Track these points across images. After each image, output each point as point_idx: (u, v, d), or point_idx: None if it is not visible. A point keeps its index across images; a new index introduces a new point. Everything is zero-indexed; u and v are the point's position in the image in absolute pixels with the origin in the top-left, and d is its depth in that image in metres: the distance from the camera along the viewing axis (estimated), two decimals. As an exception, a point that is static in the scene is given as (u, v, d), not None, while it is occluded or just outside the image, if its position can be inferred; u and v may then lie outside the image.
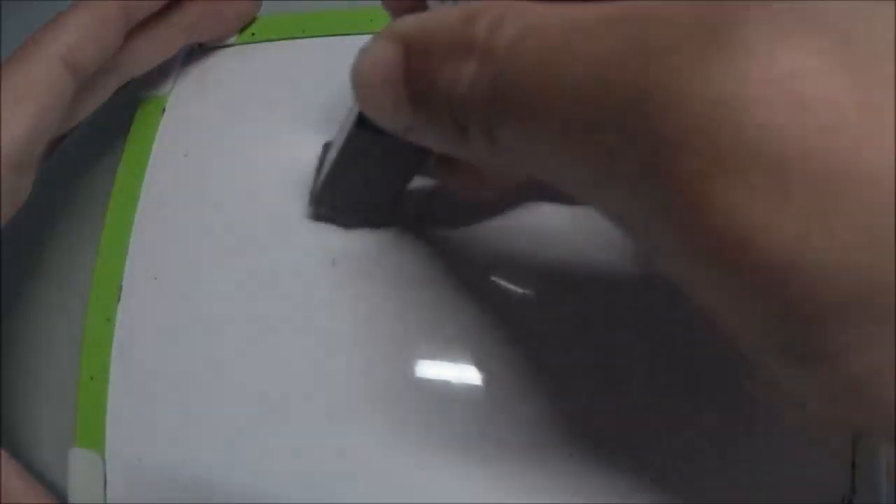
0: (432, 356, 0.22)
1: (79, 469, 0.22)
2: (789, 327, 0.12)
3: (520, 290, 0.23)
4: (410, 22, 0.14)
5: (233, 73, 0.26)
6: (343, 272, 0.23)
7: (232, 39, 0.27)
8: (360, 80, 0.15)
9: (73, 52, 0.21)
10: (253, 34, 0.27)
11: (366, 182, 0.20)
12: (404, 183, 0.20)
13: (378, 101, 0.15)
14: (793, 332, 0.12)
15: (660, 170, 0.11)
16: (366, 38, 0.26)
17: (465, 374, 0.22)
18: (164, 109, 0.26)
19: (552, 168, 0.13)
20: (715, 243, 0.11)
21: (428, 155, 0.18)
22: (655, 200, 0.12)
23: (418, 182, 0.22)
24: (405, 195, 0.21)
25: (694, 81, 0.11)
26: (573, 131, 0.12)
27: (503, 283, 0.23)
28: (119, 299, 0.23)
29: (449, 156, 0.16)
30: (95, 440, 0.22)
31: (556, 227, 0.23)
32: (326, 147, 0.22)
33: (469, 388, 0.22)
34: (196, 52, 0.27)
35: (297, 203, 0.24)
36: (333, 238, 0.24)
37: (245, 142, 0.25)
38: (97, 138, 0.28)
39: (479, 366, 0.22)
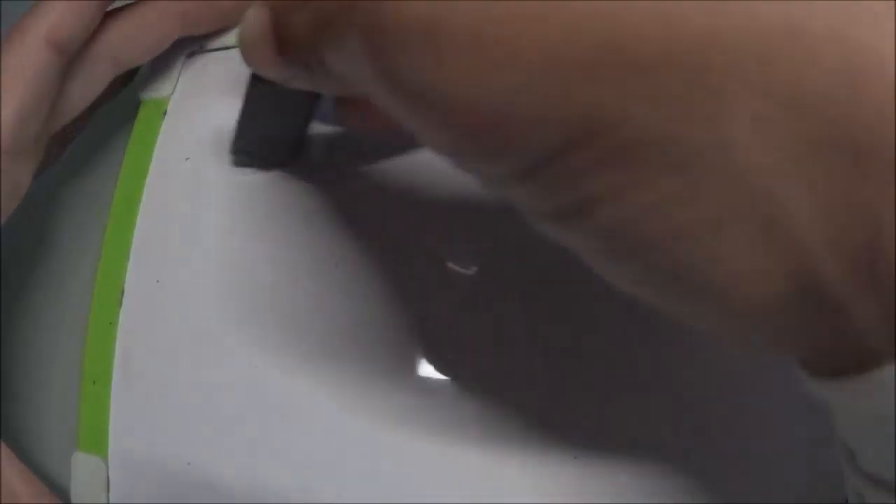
0: (434, 357, 0.23)
1: (82, 473, 0.22)
2: (515, 177, 0.12)
3: (524, 285, 0.23)
4: None
5: (234, 75, 0.26)
6: (346, 274, 0.23)
7: (233, 41, 0.27)
8: (241, 43, 0.18)
9: (54, 30, 0.21)
10: (254, 36, 0.27)
11: (270, 128, 0.23)
12: (303, 126, 0.23)
13: (256, 59, 0.17)
14: (529, 185, 0.12)
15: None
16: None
17: (468, 375, 0.22)
18: (165, 112, 0.26)
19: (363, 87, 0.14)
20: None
21: (316, 99, 0.22)
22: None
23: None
24: (319, 140, 0.25)
25: None
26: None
27: (504, 279, 0.23)
28: (121, 303, 0.23)
29: (345, 100, 0.21)
30: (98, 444, 0.22)
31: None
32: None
33: (471, 390, 0.22)
34: (198, 54, 0.27)
35: (299, 205, 0.24)
36: (338, 240, 0.24)
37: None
38: (98, 141, 0.28)
39: (482, 367, 0.22)
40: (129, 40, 0.24)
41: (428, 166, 0.24)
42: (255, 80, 0.21)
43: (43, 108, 0.21)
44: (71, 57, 0.22)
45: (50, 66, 0.21)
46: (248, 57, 0.18)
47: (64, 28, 0.21)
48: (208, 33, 0.26)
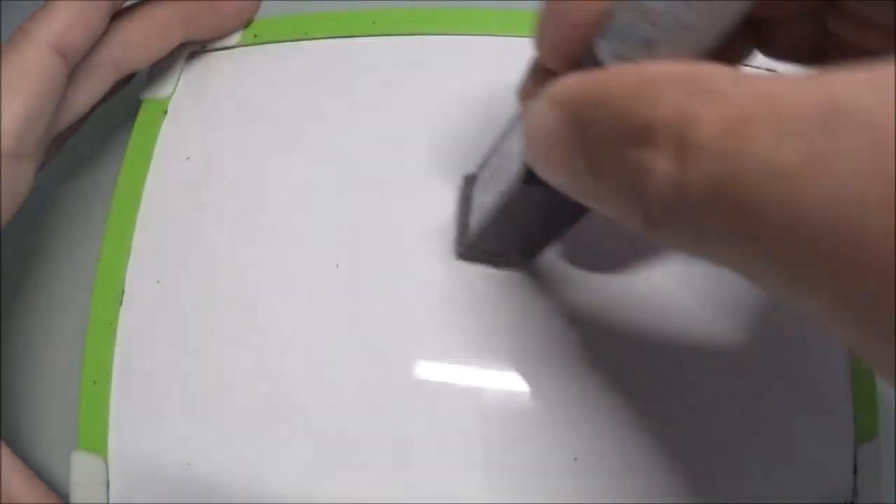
0: (436, 359, 0.22)
1: (81, 472, 0.22)
2: None
3: (535, 294, 0.23)
4: (573, 86, 0.13)
5: (235, 75, 0.26)
6: (347, 275, 0.23)
7: (234, 41, 0.27)
8: (528, 142, 0.14)
9: (61, 38, 0.21)
10: (255, 36, 0.27)
11: (523, 230, 0.20)
12: (565, 230, 0.20)
13: (548, 166, 0.14)
14: None
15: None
16: (369, 41, 0.27)
17: (469, 378, 0.22)
18: (165, 112, 0.26)
19: (754, 275, 0.11)
20: None
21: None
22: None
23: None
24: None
25: None
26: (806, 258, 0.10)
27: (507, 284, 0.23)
28: (121, 303, 0.23)
29: None
30: (98, 444, 0.22)
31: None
32: (469, 181, 0.22)
33: (473, 393, 0.22)
34: (198, 54, 0.27)
35: (299, 207, 0.24)
36: (336, 242, 0.24)
37: (247, 144, 0.25)
38: (99, 141, 0.28)
39: (484, 371, 0.22)
40: (133, 46, 0.24)
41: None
42: (529, 180, 0.17)
43: (47, 114, 0.21)
44: (76, 63, 0.22)
45: (56, 73, 0.21)
46: (539, 159, 0.14)
47: (71, 35, 0.21)
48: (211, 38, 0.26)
